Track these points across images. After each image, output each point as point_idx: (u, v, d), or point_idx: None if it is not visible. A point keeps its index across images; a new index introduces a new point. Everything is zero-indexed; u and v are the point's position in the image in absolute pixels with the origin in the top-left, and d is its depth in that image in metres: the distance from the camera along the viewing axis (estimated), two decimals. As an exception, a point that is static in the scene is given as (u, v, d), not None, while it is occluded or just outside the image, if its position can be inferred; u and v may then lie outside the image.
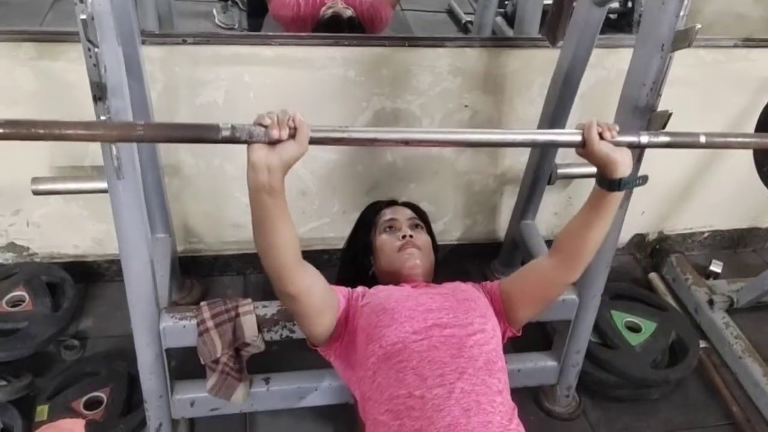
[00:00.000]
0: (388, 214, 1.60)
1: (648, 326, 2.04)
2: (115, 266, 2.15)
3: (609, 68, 2.04)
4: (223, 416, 1.73)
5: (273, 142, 1.01)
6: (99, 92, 1.13)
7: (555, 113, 1.88)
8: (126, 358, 1.78)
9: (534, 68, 2.01)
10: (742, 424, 1.91)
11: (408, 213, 1.61)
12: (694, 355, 1.99)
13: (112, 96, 1.14)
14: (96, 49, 1.08)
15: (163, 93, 1.81)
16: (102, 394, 1.75)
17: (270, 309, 1.58)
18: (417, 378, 1.20)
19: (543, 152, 2.02)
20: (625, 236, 2.56)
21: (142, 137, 1.02)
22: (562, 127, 1.90)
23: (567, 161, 2.09)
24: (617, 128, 1.17)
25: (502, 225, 2.37)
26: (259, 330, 1.57)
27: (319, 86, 1.90)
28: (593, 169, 1.24)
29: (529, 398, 1.95)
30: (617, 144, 1.16)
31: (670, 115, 1.32)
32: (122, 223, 1.34)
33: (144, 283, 1.47)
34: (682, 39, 1.26)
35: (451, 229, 2.38)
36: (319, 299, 1.27)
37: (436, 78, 1.97)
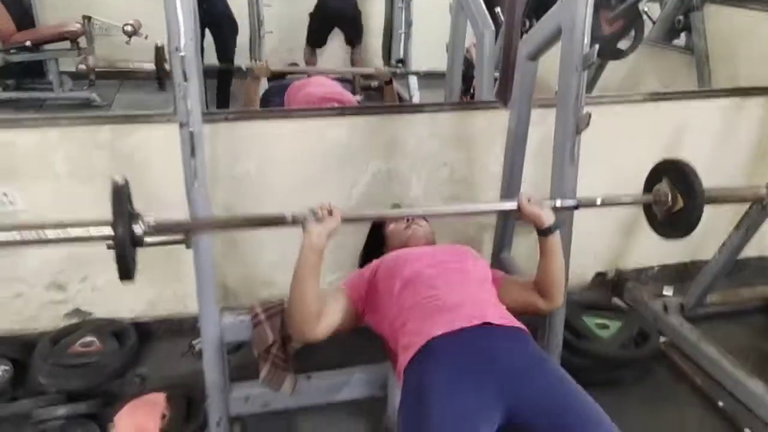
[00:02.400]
0: None
1: (615, 324, 2.46)
2: (164, 325, 2.52)
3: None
4: (271, 416, 2.04)
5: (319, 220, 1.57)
6: (191, 149, 1.67)
7: (513, 167, 2.35)
8: (182, 388, 2.12)
9: (495, 128, 2.51)
10: (706, 391, 2.28)
11: None
12: (655, 340, 2.40)
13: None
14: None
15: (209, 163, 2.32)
16: (165, 412, 2.06)
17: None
18: (430, 288, 1.64)
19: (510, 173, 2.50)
20: (587, 276, 3.03)
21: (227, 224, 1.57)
22: (519, 178, 2.38)
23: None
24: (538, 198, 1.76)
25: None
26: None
27: (330, 154, 2.44)
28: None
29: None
30: (541, 206, 1.74)
31: (590, 115, 1.87)
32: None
33: (208, 284, 1.87)
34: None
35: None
36: (336, 315, 1.72)
37: (419, 141, 2.52)
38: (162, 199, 1.96)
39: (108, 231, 1.40)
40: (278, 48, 4.28)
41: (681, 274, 3.13)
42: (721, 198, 1.92)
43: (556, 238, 1.74)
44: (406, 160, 2.55)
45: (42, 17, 4.44)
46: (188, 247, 1.81)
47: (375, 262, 1.86)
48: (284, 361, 1.98)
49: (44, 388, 2.08)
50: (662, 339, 2.51)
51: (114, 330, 2.35)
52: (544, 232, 1.72)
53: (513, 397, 1.39)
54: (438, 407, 1.35)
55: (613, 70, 3.75)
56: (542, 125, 2.45)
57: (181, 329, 2.49)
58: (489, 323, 1.54)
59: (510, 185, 2.36)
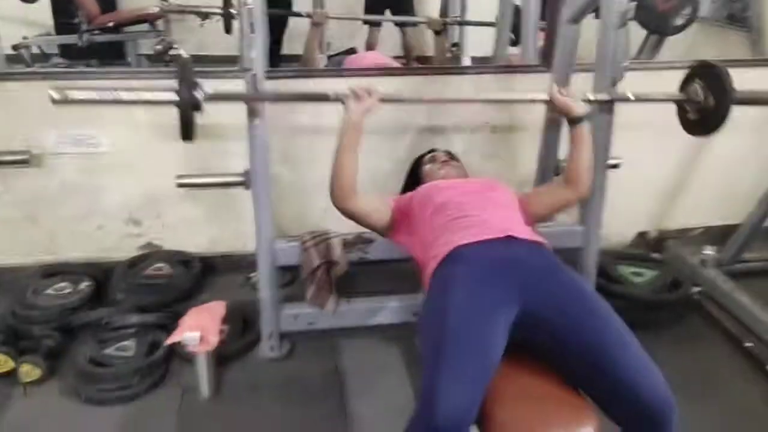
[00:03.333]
0: (428, 154, 2.26)
1: (649, 273, 2.56)
2: (225, 260, 2.77)
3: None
4: (316, 335, 2.26)
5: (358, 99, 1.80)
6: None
7: (551, 132, 2.51)
8: (241, 308, 2.36)
9: (537, 90, 2.64)
10: (735, 333, 2.34)
11: (442, 153, 2.25)
12: (687, 288, 2.49)
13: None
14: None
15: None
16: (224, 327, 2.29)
17: (350, 236, 2.20)
18: (459, 211, 1.79)
19: (546, 151, 2.63)
20: (628, 235, 3.11)
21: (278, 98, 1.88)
22: (558, 137, 2.52)
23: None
24: (571, 90, 1.92)
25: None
26: (344, 247, 2.17)
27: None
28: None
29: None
30: (573, 98, 1.90)
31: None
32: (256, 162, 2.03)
33: (265, 212, 2.10)
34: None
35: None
36: (371, 205, 1.90)
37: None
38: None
39: (173, 96, 1.65)
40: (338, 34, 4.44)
41: (726, 236, 3.13)
42: (749, 100, 1.98)
43: (584, 128, 1.89)
44: (451, 119, 2.70)
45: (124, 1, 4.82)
46: (247, 188, 2.08)
47: (414, 191, 2.03)
48: (328, 284, 2.19)
49: (121, 303, 2.36)
50: (696, 289, 2.58)
51: (182, 259, 2.62)
52: (573, 121, 1.88)
53: (531, 291, 1.51)
54: (459, 296, 1.48)
55: (672, 49, 3.81)
56: (584, 89, 2.59)
57: (240, 265, 2.71)
58: (513, 236, 1.68)
59: (548, 149, 2.51)
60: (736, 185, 3.03)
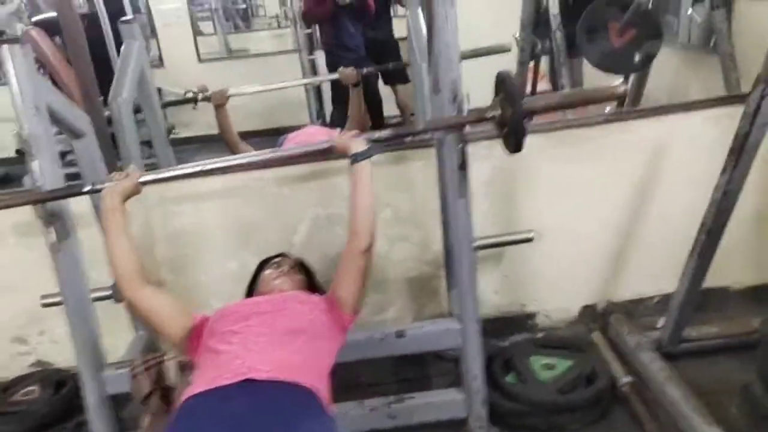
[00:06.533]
0: (276, 258, 2.01)
1: (562, 364, 2.19)
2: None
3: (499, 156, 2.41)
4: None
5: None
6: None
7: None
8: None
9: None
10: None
11: (289, 260, 2.00)
12: (601, 382, 2.11)
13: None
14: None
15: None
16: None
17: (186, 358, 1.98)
18: (222, 341, 1.56)
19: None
20: (572, 309, 2.73)
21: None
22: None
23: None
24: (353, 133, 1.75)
25: (446, 305, 2.64)
26: (182, 370, 1.95)
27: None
28: (504, 238, 2.20)
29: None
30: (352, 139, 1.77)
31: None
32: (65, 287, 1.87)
33: (84, 339, 1.93)
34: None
35: (403, 315, 2.68)
36: (165, 308, 1.67)
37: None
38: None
39: None
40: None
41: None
42: (540, 108, 1.76)
43: (363, 166, 1.73)
44: (345, 203, 2.47)
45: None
46: (117, 301, 2.06)
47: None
48: (165, 412, 1.97)
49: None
50: (626, 379, 2.19)
51: (59, 379, 2.47)
52: (352, 160, 1.73)
53: None
54: None
55: (654, 80, 3.48)
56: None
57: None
58: (251, 380, 1.40)
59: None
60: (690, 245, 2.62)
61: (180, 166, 1.87)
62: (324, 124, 4.24)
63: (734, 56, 2.92)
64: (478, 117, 1.77)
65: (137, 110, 3.58)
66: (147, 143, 3.16)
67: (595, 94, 1.76)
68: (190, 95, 3.26)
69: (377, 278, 2.59)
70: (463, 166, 1.84)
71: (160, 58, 5.87)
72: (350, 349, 1.90)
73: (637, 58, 3.16)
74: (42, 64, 3.46)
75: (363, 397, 2.18)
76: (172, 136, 3.87)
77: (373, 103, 3.89)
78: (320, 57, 4.51)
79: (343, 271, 1.72)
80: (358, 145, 1.74)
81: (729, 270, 2.72)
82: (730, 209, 1.94)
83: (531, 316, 2.75)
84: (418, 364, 2.56)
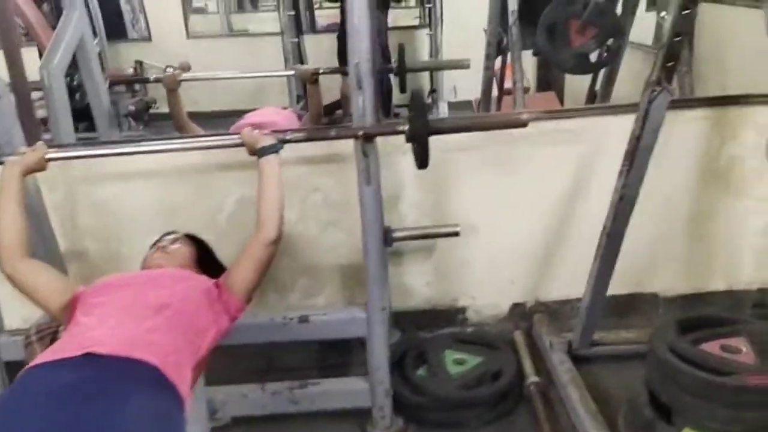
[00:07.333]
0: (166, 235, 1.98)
1: (472, 360, 2.23)
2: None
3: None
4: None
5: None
6: None
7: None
8: None
9: None
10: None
11: (173, 237, 1.95)
12: (504, 381, 2.13)
13: None
14: None
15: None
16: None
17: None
18: (84, 313, 1.56)
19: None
20: (504, 307, 2.76)
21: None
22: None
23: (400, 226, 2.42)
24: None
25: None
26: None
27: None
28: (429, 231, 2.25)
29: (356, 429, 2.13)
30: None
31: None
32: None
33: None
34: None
35: (334, 302, 2.70)
36: (47, 280, 1.68)
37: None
38: None
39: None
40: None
41: (621, 307, 2.76)
42: (446, 129, 1.86)
43: (268, 160, 1.78)
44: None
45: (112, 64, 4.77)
46: None
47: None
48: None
49: None
50: (533, 379, 2.22)
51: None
52: (258, 153, 1.78)
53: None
54: None
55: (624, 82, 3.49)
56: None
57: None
58: (92, 353, 1.37)
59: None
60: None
61: (90, 146, 1.89)
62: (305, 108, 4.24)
63: (690, 60, 2.92)
64: (390, 130, 1.85)
65: (115, 83, 3.67)
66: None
67: (501, 120, 1.85)
68: (169, 71, 3.27)
69: (308, 263, 2.61)
70: (366, 153, 1.85)
71: (149, 33, 5.86)
72: (251, 331, 1.94)
73: (594, 57, 3.18)
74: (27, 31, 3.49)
75: (278, 381, 2.21)
76: (151, 110, 3.91)
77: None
78: (308, 41, 4.73)
79: (244, 258, 1.73)
80: (266, 140, 1.79)
81: (660, 277, 2.76)
82: (628, 212, 1.96)
83: (462, 310, 2.76)
84: (349, 351, 2.59)
